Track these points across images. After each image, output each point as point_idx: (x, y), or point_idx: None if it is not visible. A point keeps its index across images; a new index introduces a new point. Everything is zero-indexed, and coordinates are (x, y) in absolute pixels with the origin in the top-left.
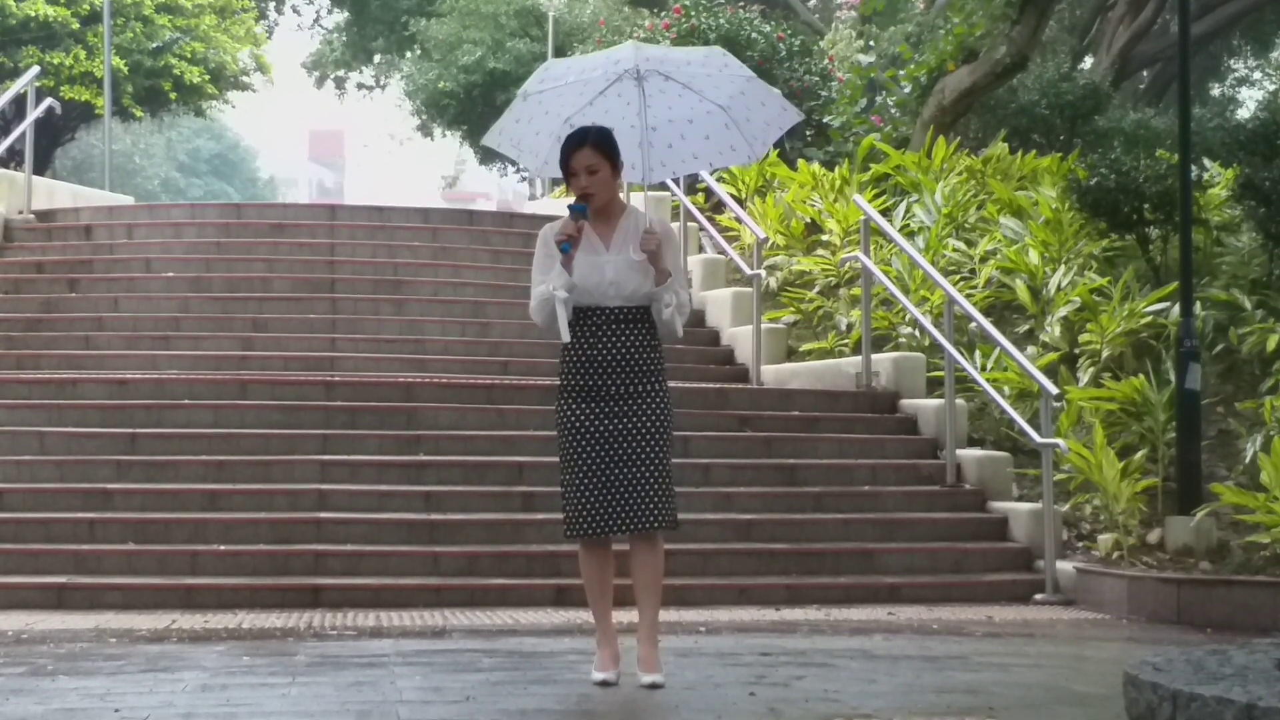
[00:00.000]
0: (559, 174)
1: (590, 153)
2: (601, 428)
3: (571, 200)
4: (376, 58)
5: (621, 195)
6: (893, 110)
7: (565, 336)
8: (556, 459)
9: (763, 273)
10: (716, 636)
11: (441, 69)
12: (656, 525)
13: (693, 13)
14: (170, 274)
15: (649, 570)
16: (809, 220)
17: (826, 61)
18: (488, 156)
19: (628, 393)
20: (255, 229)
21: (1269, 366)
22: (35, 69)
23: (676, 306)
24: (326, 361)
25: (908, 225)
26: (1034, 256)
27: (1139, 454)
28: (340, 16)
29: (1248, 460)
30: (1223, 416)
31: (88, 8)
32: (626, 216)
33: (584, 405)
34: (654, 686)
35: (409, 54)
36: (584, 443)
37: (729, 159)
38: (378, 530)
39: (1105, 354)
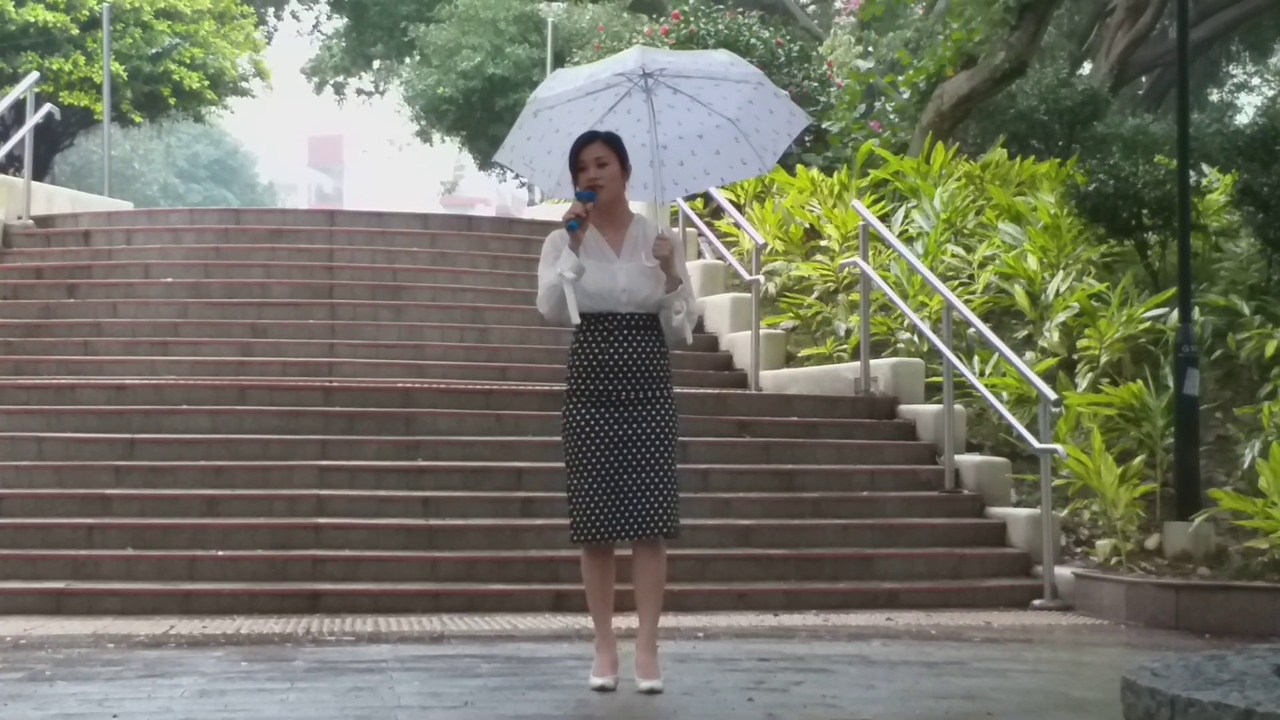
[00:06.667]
0: (572, 193)
1: (601, 146)
2: (611, 433)
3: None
4: (375, 63)
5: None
6: (891, 116)
7: (575, 318)
8: (555, 464)
9: (761, 278)
10: (715, 642)
11: (440, 75)
12: (662, 532)
13: (692, 18)
14: (169, 279)
15: (651, 576)
16: (808, 226)
17: (825, 67)
18: (487, 162)
19: (637, 398)
20: (254, 234)
21: (1267, 372)
22: (34, 75)
23: (687, 313)
24: (325, 367)
25: (906, 231)
26: (1032, 262)
27: (1137, 459)
28: (339, 22)
29: (1246, 466)
30: (1221, 422)
31: (87, 13)
32: (635, 224)
33: (593, 410)
34: (652, 692)
35: (408, 60)
36: (593, 448)
37: (740, 173)
38: (376, 535)
39: (1104, 359)
